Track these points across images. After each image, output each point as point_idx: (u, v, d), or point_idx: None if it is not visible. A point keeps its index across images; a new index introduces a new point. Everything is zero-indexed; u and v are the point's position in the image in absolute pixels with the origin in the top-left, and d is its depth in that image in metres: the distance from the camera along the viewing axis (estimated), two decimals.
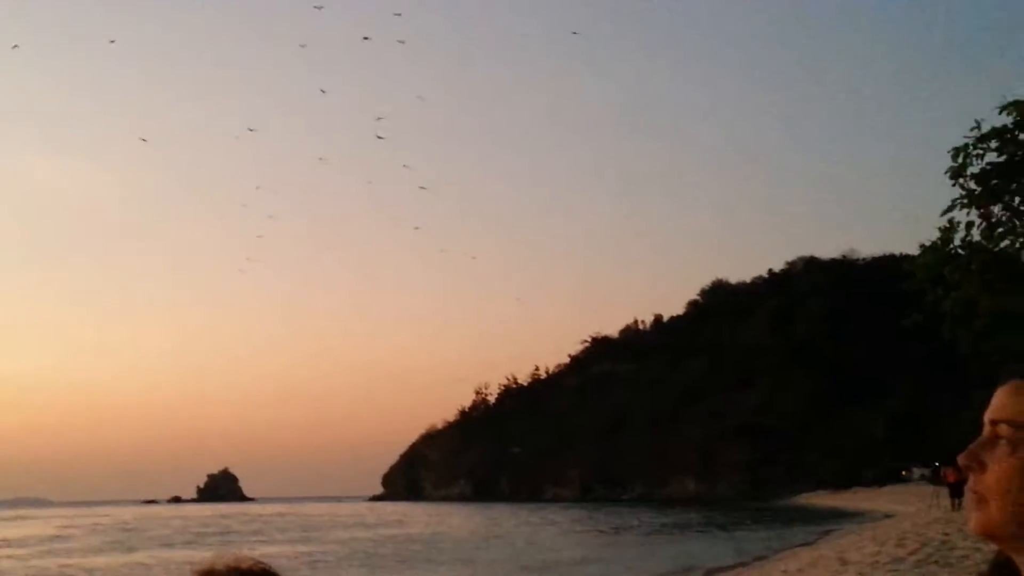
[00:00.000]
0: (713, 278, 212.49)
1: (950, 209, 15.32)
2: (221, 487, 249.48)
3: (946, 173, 15.11)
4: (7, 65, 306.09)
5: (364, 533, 69.22)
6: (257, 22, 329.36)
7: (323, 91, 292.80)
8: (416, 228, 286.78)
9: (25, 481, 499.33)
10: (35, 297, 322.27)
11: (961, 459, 1.53)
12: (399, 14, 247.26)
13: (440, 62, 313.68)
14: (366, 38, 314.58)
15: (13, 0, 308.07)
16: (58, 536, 73.48)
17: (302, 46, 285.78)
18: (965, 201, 15.10)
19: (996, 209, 15.19)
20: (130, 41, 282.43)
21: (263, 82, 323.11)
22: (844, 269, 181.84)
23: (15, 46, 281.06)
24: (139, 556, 51.90)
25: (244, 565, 1.99)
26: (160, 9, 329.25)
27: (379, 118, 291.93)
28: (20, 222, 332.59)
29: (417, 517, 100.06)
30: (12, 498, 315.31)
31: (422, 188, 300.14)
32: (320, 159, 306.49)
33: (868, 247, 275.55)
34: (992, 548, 1.57)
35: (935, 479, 64.90)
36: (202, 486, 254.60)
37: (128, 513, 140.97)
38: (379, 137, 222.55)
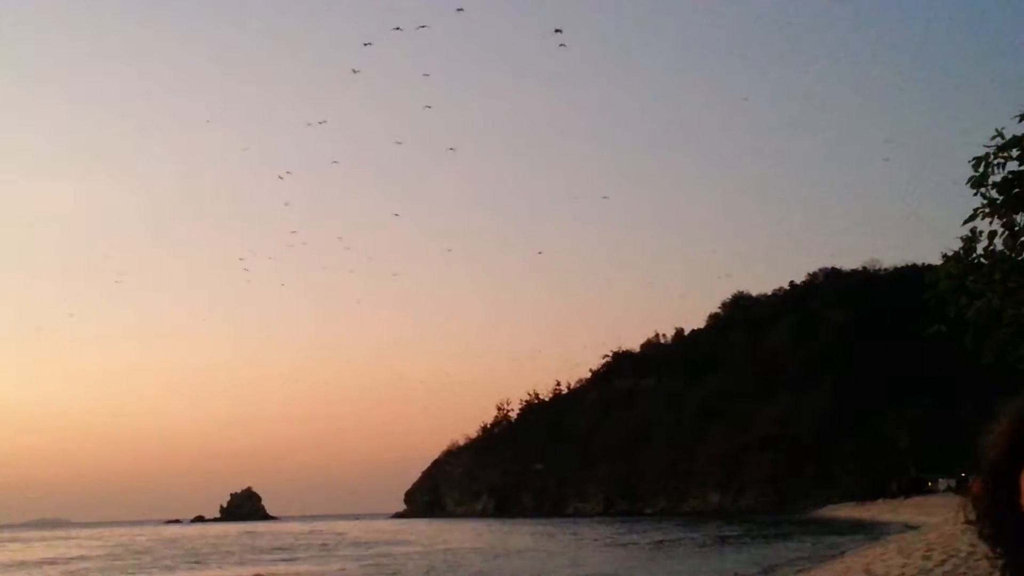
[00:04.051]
0: (734, 291, 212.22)
1: (972, 218, 15.28)
2: (244, 506, 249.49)
3: (968, 183, 15.08)
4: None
5: (400, 549, 69.17)
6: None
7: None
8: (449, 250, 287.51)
9: (46, 502, 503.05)
10: (58, 320, 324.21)
11: None
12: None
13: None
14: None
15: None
16: (96, 557, 73.56)
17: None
18: (987, 210, 15.06)
19: (1018, 218, 15.15)
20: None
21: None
22: (866, 280, 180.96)
23: None
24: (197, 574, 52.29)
25: None
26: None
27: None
28: (44, 245, 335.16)
29: (448, 533, 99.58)
30: (33, 520, 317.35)
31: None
32: (348, 175, 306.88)
33: (890, 258, 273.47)
34: None
35: (961, 490, 64.51)
36: (225, 505, 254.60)
37: (153, 533, 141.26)
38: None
